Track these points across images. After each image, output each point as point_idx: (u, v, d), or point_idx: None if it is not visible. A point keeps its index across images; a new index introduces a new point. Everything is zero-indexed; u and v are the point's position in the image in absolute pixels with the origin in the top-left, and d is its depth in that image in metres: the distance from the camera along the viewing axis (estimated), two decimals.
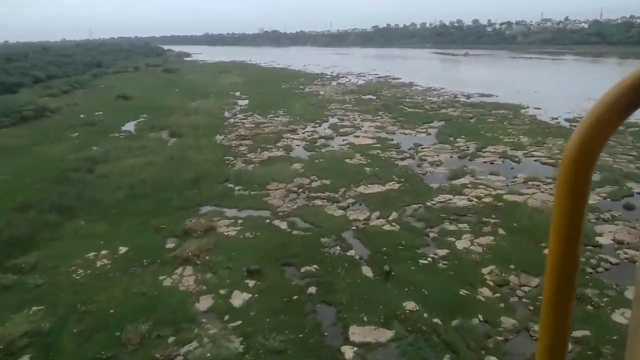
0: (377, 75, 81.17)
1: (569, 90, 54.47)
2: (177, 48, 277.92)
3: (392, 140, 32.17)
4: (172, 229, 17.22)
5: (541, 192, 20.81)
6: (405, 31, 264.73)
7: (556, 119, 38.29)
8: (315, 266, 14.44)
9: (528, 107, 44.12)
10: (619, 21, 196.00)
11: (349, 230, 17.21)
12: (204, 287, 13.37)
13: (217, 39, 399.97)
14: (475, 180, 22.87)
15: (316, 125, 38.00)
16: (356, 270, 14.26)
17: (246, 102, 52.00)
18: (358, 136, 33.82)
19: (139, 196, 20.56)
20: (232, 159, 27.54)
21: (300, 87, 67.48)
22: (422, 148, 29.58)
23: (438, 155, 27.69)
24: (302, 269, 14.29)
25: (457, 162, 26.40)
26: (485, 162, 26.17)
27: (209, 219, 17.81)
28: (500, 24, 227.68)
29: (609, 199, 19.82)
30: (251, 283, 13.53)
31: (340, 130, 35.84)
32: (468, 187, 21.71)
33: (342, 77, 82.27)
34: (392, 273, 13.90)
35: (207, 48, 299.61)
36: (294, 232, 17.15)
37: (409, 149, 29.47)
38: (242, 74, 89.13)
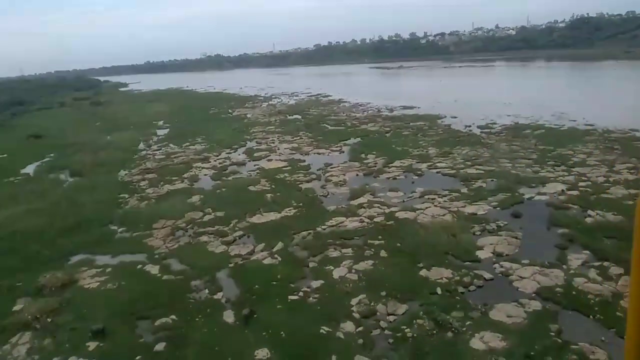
0: (309, 94, 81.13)
1: (487, 97, 56.12)
2: (116, 78, 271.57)
3: (304, 161, 31.43)
4: (27, 287, 15.45)
5: (435, 206, 20.48)
6: (345, 48, 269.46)
7: (469, 126, 38.92)
8: (174, 316, 13.14)
9: (445, 117, 44.80)
10: (543, 26, 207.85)
11: (226, 269, 16.04)
12: (36, 357, 11.77)
13: (158, 67, 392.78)
14: (373, 198, 22.33)
15: (232, 152, 36.84)
16: (217, 316, 13.07)
17: (166, 131, 50.18)
18: (271, 160, 32.90)
19: (2, 251, 18.56)
20: (127, 196, 25.82)
21: (230, 111, 66.22)
22: (331, 168, 28.96)
23: (344, 175, 27.11)
24: (158, 322, 12.95)
25: (361, 180, 25.87)
26: (388, 178, 25.79)
27: (70, 272, 16.15)
28: (434, 36, 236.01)
29: (498, 208, 19.69)
30: (93, 345, 12.05)
31: (255, 154, 34.85)
32: (364, 207, 21.10)
33: (275, 97, 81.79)
34: (255, 315, 12.81)
35: (147, 76, 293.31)
36: (165, 277, 15.79)
37: (318, 170, 28.77)
38: (173, 101, 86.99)
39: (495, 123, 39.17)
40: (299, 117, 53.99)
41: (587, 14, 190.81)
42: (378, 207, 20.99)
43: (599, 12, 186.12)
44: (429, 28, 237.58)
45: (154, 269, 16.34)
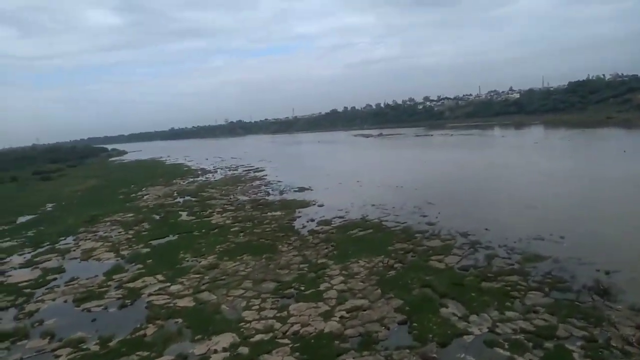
0: (248, 169, 77.47)
1: (396, 177, 50.55)
2: (133, 146, 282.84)
3: (59, 273, 26.49)
4: None
5: None
6: (348, 114, 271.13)
7: (312, 221, 33.58)
8: None
9: (314, 205, 39.73)
10: (540, 90, 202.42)
11: None
12: None
13: (179, 133, 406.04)
14: None
15: (31, 251, 32.40)
16: None
17: (27, 218, 46.57)
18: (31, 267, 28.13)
19: None
20: None
21: (143, 189, 62.72)
22: (58, 288, 23.86)
23: (45, 303, 21.80)
24: None
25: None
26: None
27: None
28: (435, 101, 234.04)
29: None
30: None
31: (37, 259, 30.18)
32: None
33: (213, 172, 78.83)
34: None
35: (159, 144, 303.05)
36: None
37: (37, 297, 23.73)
38: (112, 176, 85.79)
39: (342, 217, 33.58)
40: (182, 199, 49.82)
41: (603, 75, 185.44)
42: None
43: (613, 72, 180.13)
44: (451, 92, 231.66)
45: None
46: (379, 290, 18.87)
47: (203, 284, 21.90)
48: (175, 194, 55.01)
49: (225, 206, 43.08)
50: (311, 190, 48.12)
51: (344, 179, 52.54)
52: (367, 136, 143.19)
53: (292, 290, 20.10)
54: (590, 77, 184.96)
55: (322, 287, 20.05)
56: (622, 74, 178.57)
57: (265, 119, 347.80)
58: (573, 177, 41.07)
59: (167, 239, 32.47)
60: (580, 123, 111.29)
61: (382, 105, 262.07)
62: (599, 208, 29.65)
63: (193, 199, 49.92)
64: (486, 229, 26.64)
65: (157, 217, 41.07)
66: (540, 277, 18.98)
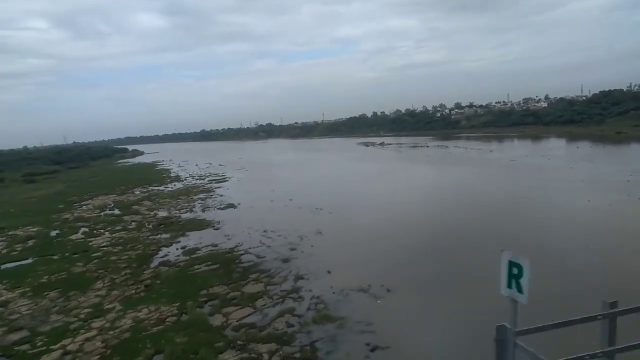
0: (217, 178, 75.47)
1: (327, 198, 46.98)
2: (157, 147, 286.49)
3: None
4: None
5: None
6: (367, 120, 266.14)
7: (184, 248, 30.55)
8: None
9: (213, 227, 36.92)
10: (569, 99, 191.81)
11: None
12: None
13: (208, 135, 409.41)
14: None
15: None
16: None
17: None
18: None
19: None
20: None
21: (92, 199, 61.43)
22: None
23: None
24: None
25: None
26: None
27: None
28: (450, 110, 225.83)
29: None
30: None
31: None
32: None
33: (182, 180, 77.00)
34: None
35: (185, 145, 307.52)
36: None
37: None
38: (89, 181, 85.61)
39: (216, 246, 30.47)
40: (106, 212, 47.83)
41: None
42: None
43: None
44: (484, 99, 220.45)
45: None
46: (100, 356, 15.71)
47: None
48: (111, 205, 53.31)
49: (132, 223, 40.70)
50: (235, 208, 45.30)
51: (281, 197, 49.03)
52: (368, 145, 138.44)
53: (24, 347, 17.21)
54: (633, 87, 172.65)
55: (57, 345, 17.05)
56: None
57: (295, 123, 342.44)
58: (499, 209, 36.30)
59: (22, 262, 30.30)
60: (589, 137, 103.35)
61: (417, 110, 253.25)
62: (486, 252, 25.26)
63: (117, 212, 47.91)
64: (328, 272, 23.00)
65: (56, 232, 39.19)
66: (298, 348, 15.38)
